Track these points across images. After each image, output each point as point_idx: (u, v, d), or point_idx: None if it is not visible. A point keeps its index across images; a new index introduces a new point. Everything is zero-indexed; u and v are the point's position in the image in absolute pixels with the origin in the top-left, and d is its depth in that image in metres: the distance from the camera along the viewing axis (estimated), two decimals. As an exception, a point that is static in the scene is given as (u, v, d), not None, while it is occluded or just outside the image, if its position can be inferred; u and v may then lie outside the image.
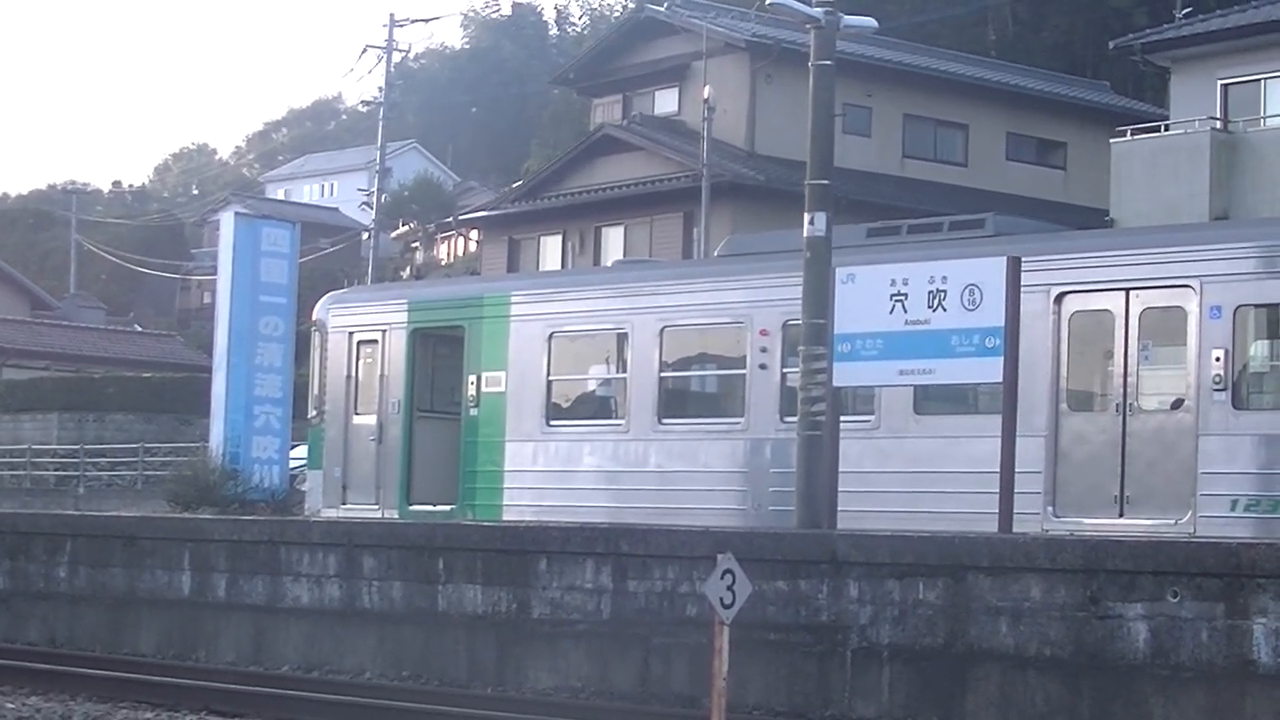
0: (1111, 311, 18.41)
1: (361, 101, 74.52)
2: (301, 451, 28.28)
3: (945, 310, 16.57)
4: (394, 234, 76.42)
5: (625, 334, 22.12)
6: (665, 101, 46.67)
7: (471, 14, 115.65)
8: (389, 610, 18.32)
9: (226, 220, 28.20)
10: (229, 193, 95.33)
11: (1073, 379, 18.68)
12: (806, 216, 18.19)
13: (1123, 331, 18.27)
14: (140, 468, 45.24)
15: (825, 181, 18.25)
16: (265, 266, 26.89)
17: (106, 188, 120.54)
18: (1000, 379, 16.40)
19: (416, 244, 75.53)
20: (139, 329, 72.35)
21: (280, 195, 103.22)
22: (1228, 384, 17.57)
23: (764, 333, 20.66)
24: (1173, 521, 17.49)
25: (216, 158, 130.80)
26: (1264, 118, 32.55)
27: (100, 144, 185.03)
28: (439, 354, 24.16)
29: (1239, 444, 17.42)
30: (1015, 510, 16.21)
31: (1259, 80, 32.95)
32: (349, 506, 24.09)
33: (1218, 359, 17.60)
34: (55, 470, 47.84)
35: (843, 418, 17.94)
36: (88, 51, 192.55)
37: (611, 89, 48.55)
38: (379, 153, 58.78)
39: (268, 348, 26.74)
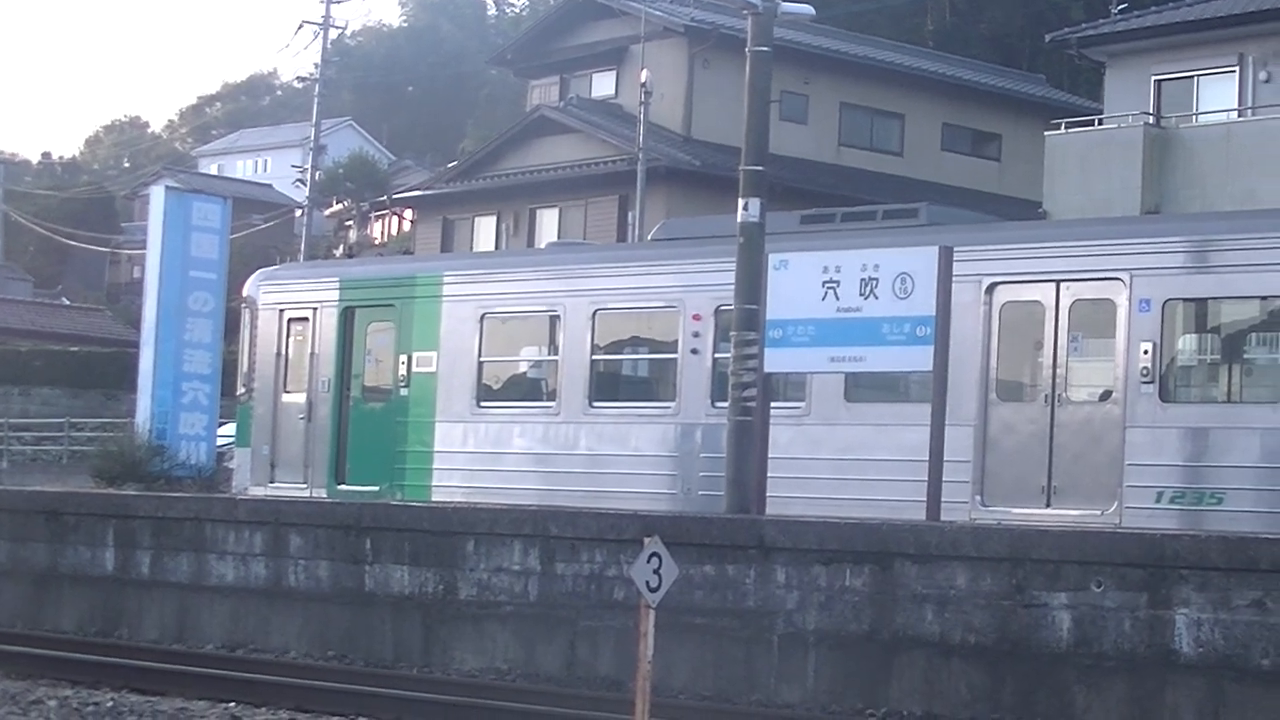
0: (1042, 303, 18.51)
1: (297, 78, 74.16)
2: (230, 429, 28.09)
3: (877, 298, 16.62)
4: (328, 212, 76.01)
5: (557, 316, 22.08)
6: (603, 84, 46.60)
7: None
8: (315, 590, 18.24)
9: (157, 194, 27.91)
10: (161, 166, 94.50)
11: (1003, 369, 18.78)
12: (740, 202, 18.18)
13: (1053, 323, 18.38)
14: (66, 442, 44.85)
15: (760, 168, 18.25)
16: (196, 241, 26.65)
17: (35, 159, 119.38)
18: (930, 368, 16.47)
19: (350, 222, 75.16)
20: (66, 302, 71.69)
21: (213, 170, 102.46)
22: (1155, 377, 17.70)
23: (696, 317, 20.67)
24: (1099, 512, 17.60)
25: (149, 131, 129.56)
26: (1196, 114, 32.78)
27: (30, 114, 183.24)
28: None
29: (1165, 436, 17.55)
30: (943, 499, 16.29)
31: (1192, 77, 33.18)
32: (277, 485, 23.97)
33: (1146, 352, 17.73)
34: (-21, 444, 47.38)
35: (774, 404, 17.97)
36: (17, 19, 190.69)
37: (549, 70, 48.45)
38: (314, 129, 58.41)
39: (197, 323, 26.51)
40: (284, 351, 24.42)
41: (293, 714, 14.55)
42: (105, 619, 19.99)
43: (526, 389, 22.96)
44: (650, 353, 22.15)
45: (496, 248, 44.67)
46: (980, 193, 43.67)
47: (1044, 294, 18.49)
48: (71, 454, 43.11)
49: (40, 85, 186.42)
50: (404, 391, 23.12)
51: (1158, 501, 17.40)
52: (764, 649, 15.17)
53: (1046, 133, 33.97)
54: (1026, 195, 40.52)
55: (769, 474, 17.52)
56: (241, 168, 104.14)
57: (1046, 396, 18.30)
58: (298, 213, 65.77)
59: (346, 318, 23.88)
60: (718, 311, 20.17)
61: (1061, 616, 13.73)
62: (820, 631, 14.88)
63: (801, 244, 18.90)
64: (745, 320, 17.81)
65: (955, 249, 16.79)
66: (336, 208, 76.30)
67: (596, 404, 21.55)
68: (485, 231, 46.50)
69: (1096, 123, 33.94)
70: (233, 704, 14.97)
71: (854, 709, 14.55)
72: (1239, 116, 32.15)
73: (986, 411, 18.53)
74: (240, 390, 25.05)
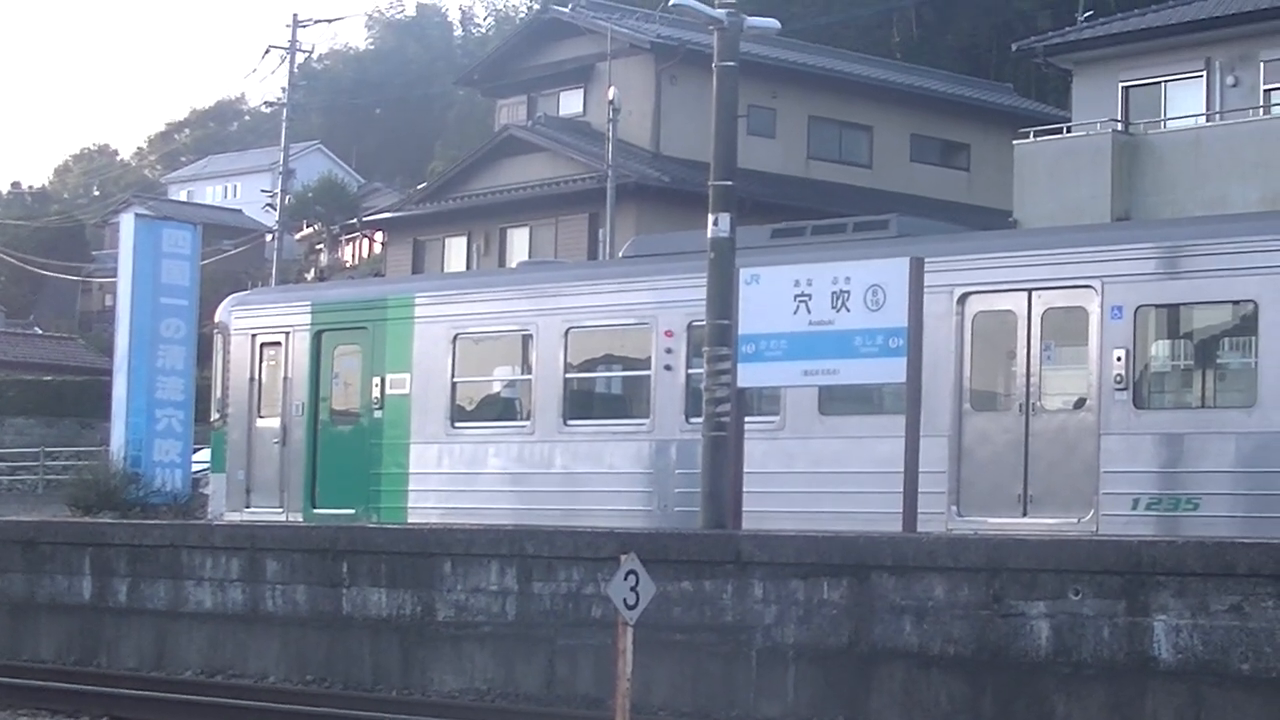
0: (1014, 312, 18.54)
1: (265, 102, 73.92)
2: (204, 454, 28.02)
3: (849, 311, 16.63)
4: (298, 236, 75.90)
5: (530, 335, 22.06)
6: (570, 102, 46.62)
7: (375, 14, 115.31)
8: (293, 614, 18.18)
9: (127, 222, 27.90)
10: (131, 194, 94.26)
11: (976, 379, 18.79)
12: (710, 218, 18.20)
13: (1025, 332, 18.41)
14: (41, 472, 44.68)
15: (729, 182, 18.27)
16: (166, 268, 26.64)
17: (5, 189, 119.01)
18: (904, 379, 16.48)
19: (321, 246, 74.98)
20: (39, 331, 71.45)
21: (183, 196, 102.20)
22: (1129, 384, 17.73)
23: (669, 334, 20.66)
24: (1075, 520, 17.63)
25: (118, 159, 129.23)
26: (1164, 120, 32.90)
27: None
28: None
29: (1140, 443, 17.58)
30: (919, 510, 16.29)
31: (1159, 83, 33.30)
32: (253, 510, 23.91)
33: (1119, 359, 17.76)
34: (-47, 475, 47.16)
35: (748, 418, 17.96)
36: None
37: (516, 90, 48.46)
38: (282, 154, 58.38)
39: (169, 350, 26.49)
40: (257, 376, 24.37)
41: (272, 740, 14.52)
42: (83, 647, 19.91)
43: (501, 409, 22.93)
44: (623, 370, 22.13)
45: (468, 268, 44.64)
46: (950, 203, 43.76)
47: (1016, 303, 18.52)
48: (47, 483, 42.95)
49: (8, 115, 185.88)
50: (378, 414, 23.08)
51: (1134, 508, 17.43)
52: (743, 664, 15.15)
53: (1015, 141, 34.05)
54: (996, 205, 40.64)
55: (745, 488, 17.52)
56: (211, 194, 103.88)
57: (1021, 405, 18.32)
58: (268, 237, 65.64)
59: (319, 341, 23.85)
60: (690, 327, 20.17)
61: (1040, 625, 13.74)
62: (799, 645, 14.87)
63: (772, 258, 18.91)
64: (718, 335, 17.82)
65: (926, 260, 16.81)
66: (307, 231, 76.17)
67: (571, 423, 21.54)
68: (456, 252, 46.46)
69: (1065, 131, 34.00)
70: (212, 731, 14.93)
71: (835, 722, 14.54)
72: (1207, 122, 32.27)
73: (961, 422, 18.55)
74: (214, 416, 24.99)
